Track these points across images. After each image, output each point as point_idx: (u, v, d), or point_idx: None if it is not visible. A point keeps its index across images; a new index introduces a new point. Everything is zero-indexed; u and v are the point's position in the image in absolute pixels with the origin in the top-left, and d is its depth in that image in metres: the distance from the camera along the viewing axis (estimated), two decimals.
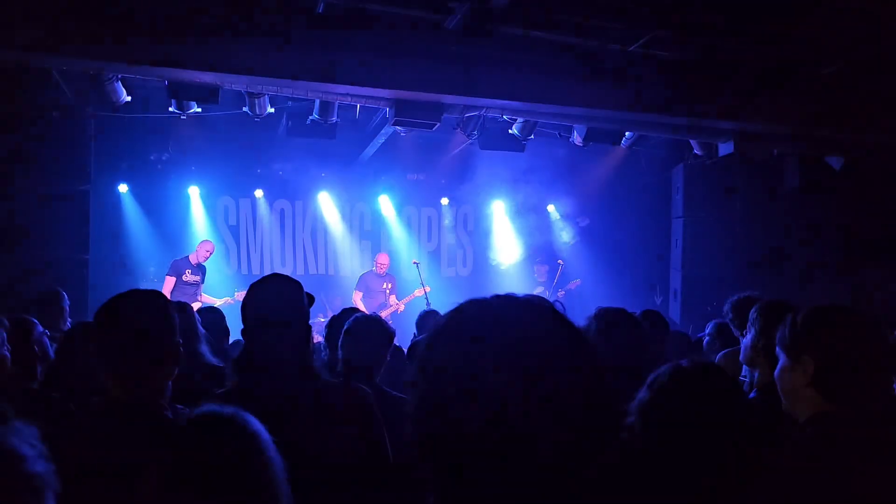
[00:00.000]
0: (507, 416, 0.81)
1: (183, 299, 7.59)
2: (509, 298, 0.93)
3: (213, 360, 3.37)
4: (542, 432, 0.82)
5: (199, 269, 8.53)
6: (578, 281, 10.06)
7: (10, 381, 2.73)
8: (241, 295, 8.08)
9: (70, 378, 3.03)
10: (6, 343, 2.69)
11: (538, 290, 9.56)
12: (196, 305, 7.61)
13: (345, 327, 3.20)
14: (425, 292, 8.65)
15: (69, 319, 4.99)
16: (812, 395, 1.77)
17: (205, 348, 3.42)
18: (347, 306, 4.32)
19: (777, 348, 1.89)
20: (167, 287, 8.18)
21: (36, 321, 2.89)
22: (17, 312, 3.24)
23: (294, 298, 2.28)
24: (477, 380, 0.83)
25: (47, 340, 2.92)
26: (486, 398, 0.82)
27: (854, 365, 1.74)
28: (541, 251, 11.03)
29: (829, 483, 1.61)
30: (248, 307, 2.27)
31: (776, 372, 1.89)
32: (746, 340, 2.51)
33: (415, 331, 4.88)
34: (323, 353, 3.84)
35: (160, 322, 2.04)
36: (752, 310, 2.56)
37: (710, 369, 1.69)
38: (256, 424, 1.45)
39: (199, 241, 9.46)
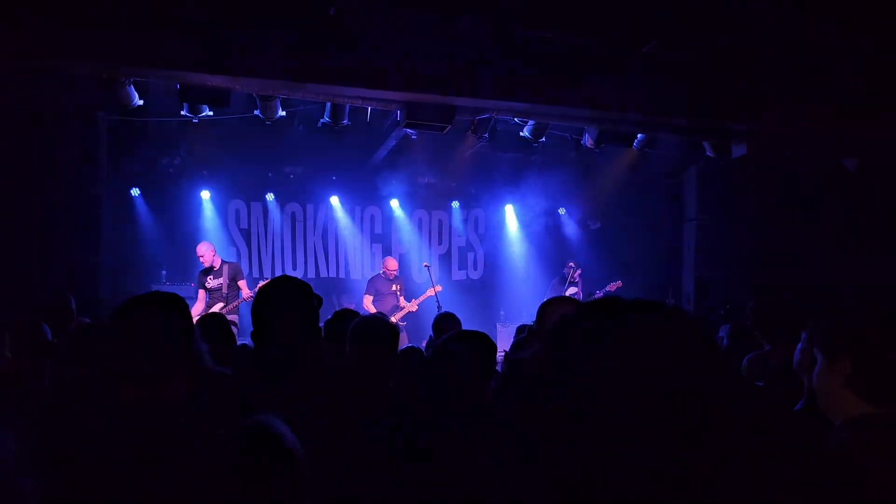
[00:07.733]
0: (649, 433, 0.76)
1: (213, 304, 7.75)
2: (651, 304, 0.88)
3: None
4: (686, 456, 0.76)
5: (220, 273, 8.08)
6: (620, 283, 9.75)
7: (20, 380, 2.75)
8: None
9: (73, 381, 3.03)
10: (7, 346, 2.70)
11: (570, 292, 9.48)
12: (218, 307, 7.63)
13: (350, 330, 3.06)
14: (436, 292, 8.69)
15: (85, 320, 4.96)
16: (848, 397, 1.73)
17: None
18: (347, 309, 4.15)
19: (815, 350, 1.85)
20: (199, 298, 7.93)
21: (45, 325, 2.89)
22: (27, 316, 3.25)
23: (303, 300, 2.27)
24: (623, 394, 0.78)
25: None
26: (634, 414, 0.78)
27: (892, 365, 1.70)
28: (552, 254, 10.97)
29: (864, 487, 1.57)
30: (258, 310, 2.25)
31: (814, 373, 1.85)
32: (802, 344, 2.44)
33: (431, 333, 4.84)
34: None
35: (176, 326, 1.95)
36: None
37: None
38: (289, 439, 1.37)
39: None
